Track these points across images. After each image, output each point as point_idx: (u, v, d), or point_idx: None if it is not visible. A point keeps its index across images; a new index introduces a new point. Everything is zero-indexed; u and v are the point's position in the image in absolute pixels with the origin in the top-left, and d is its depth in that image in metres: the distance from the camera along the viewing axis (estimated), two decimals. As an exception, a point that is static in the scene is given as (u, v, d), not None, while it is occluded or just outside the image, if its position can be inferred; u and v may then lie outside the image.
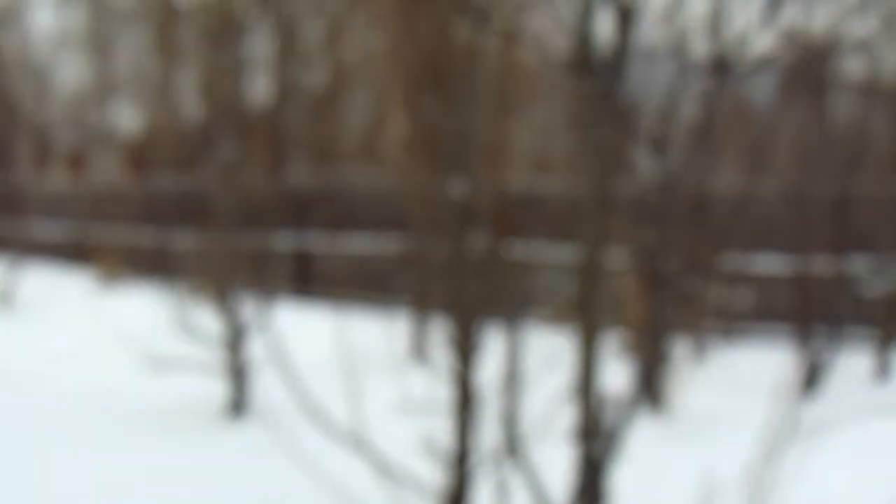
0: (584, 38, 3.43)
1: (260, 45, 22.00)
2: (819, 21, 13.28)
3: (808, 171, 12.39)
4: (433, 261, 6.30)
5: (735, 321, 15.03)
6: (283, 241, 18.46)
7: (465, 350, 5.87)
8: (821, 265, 12.29)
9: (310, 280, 18.99)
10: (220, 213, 9.62)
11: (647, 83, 6.44)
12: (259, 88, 22.28)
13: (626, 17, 3.46)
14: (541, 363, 5.06)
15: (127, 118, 30.73)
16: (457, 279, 5.59)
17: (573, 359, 3.87)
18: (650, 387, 9.99)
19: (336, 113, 21.14)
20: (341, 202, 18.09)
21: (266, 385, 9.72)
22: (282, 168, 21.41)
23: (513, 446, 4.52)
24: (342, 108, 20.76)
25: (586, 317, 3.70)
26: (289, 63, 22.48)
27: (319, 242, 18.70)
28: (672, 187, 4.42)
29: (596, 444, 3.93)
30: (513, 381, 4.40)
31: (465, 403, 5.78)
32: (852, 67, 13.85)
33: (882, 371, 12.63)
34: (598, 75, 3.42)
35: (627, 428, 4.02)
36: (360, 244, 17.77)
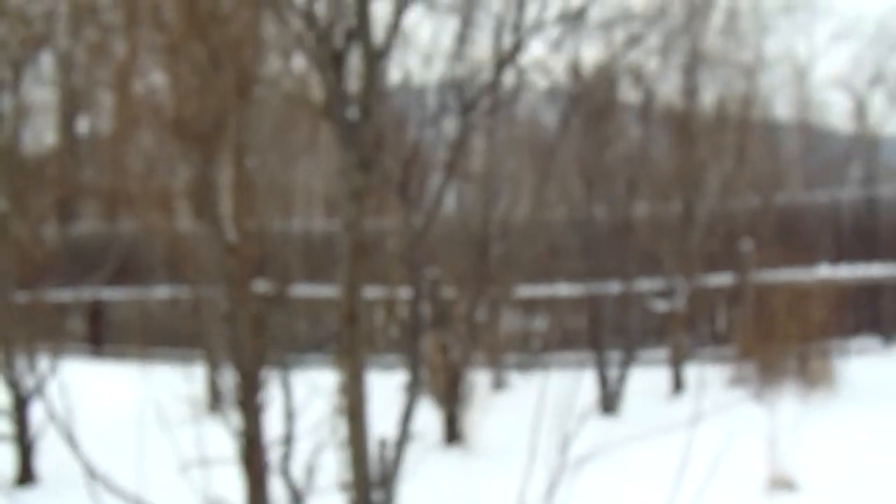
0: (331, 83, 3.38)
1: (41, 90, 21.21)
2: (597, 51, 13.71)
3: (592, 197, 12.69)
4: (214, 310, 6.15)
5: (532, 348, 15.26)
6: (74, 295, 17.78)
7: (248, 401, 5.71)
8: (610, 288, 12.59)
9: (104, 334, 18.38)
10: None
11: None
12: (41, 134, 21.45)
13: (373, 61, 3.42)
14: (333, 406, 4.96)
15: None
16: (235, 328, 5.46)
17: (339, 403, 3.80)
18: (448, 423, 10.01)
19: (125, 160, 20.51)
20: (134, 251, 17.55)
21: (59, 451, 9.26)
22: (69, 218, 20.66)
23: (296, 499, 4.42)
24: (131, 154, 20.15)
25: (349, 360, 3.63)
26: (72, 107, 21.78)
27: (113, 294, 18.12)
28: (427, 226, 4.44)
29: (367, 489, 3.86)
30: (290, 430, 4.30)
31: (252, 457, 5.62)
32: (631, 94, 14.31)
33: (676, 387, 13.02)
34: (346, 120, 3.38)
35: (399, 470, 3.97)
36: (154, 294, 17.28)
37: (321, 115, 3.42)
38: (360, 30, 3.38)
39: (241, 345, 5.61)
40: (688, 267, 13.34)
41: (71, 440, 4.83)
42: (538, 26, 4.73)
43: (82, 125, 23.12)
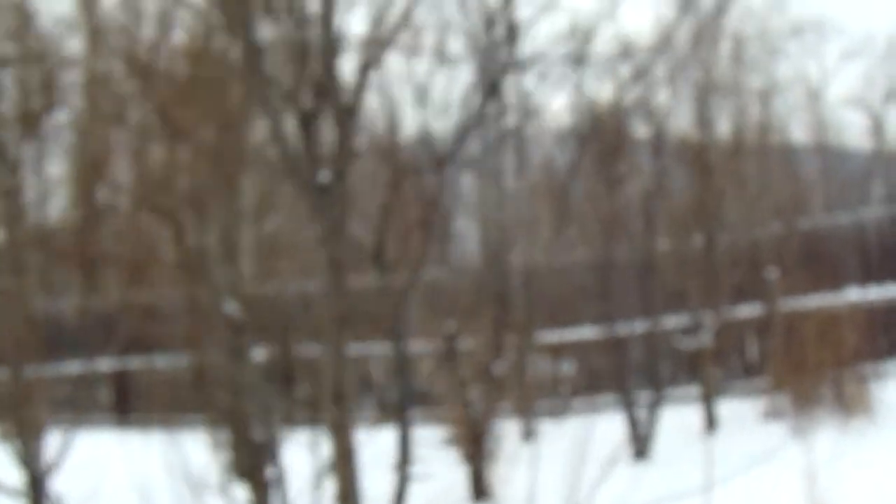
0: (296, 147, 3.22)
1: (59, 163, 21.32)
2: (605, 89, 13.60)
3: (611, 236, 12.49)
4: (218, 378, 6.01)
5: (561, 393, 14.99)
6: (96, 366, 17.71)
7: (256, 474, 5.52)
8: (636, 327, 12.35)
9: (130, 403, 18.27)
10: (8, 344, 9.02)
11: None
12: (59, 208, 21.52)
13: (344, 120, 3.25)
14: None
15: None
16: (237, 399, 5.28)
17: (332, 465, 3.63)
18: (474, 478, 9.76)
19: (142, 230, 20.53)
20: (153, 319, 17.47)
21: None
22: (91, 289, 20.66)
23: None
24: (147, 225, 20.19)
25: (338, 440, 3.45)
26: (90, 180, 21.86)
27: (137, 363, 18.03)
28: (409, 289, 4.25)
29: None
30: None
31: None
32: (642, 129, 14.16)
33: (709, 424, 12.72)
34: (317, 184, 3.21)
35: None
36: (175, 361, 17.16)
37: (290, 181, 3.26)
38: (329, 88, 3.21)
39: (245, 416, 5.44)
40: (714, 300, 13.08)
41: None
42: (507, 68, 4.57)
43: (101, 195, 23.21)
